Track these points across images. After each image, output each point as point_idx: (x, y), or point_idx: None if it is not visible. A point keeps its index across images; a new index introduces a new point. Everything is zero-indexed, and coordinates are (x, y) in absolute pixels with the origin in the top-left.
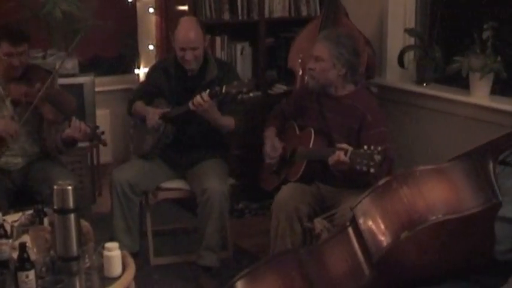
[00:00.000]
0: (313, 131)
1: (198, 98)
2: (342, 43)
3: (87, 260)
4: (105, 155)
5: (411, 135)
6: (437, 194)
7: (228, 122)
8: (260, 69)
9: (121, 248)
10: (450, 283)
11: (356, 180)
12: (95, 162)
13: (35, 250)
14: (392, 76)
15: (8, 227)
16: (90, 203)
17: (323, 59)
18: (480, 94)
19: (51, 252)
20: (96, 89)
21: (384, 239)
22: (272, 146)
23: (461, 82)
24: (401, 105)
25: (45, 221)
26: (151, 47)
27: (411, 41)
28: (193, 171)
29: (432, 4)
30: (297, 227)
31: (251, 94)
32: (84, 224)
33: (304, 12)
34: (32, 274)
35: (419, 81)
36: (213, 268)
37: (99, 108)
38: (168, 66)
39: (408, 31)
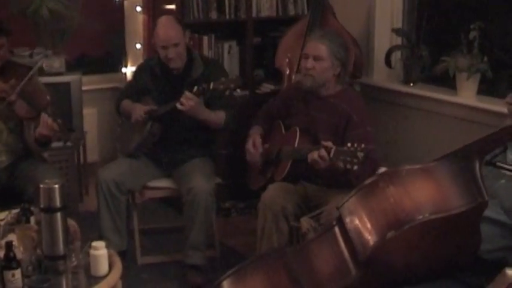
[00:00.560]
0: (298, 130)
1: (185, 96)
2: (338, 42)
3: (73, 259)
4: (92, 154)
5: (398, 134)
6: (424, 194)
7: (217, 117)
8: (247, 69)
9: (108, 246)
10: (436, 282)
11: (339, 179)
12: (82, 161)
13: (21, 249)
14: (379, 76)
15: None
16: (77, 201)
17: (323, 58)
18: (467, 94)
19: (38, 251)
20: (83, 88)
21: (370, 238)
22: (253, 143)
23: (448, 82)
24: (388, 105)
25: (32, 219)
26: (138, 46)
27: (398, 40)
28: (179, 170)
29: (419, 4)
30: (284, 226)
31: (238, 90)
32: (71, 222)
33: (291, 12)
34: (18, 273)
35: (406, 81)
36: (200, 267)
37: (86, 107)
38: (153, 65)
39: (395, 31)
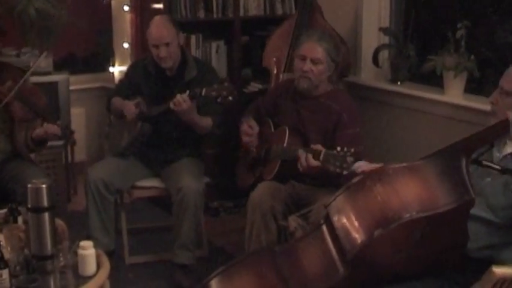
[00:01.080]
0: (287, 129)
1: (178, 98)
2: (333, 43)
3: (61, 259)
4: (80, 153)
5: (385, 133)
6: (411, 192)
7: (205, 123)
8: (235, 68)
9: (96, 246)
10: (424, 280)
11: (329, 179)
12: (70, 160)
13: (9, 249)
14: (367, 75)
15: None
16: (65, 201)
17: (321, 62)
18: (454, 93)
19: (26, 250)
20: (71, 88)
21: (357, 237)
22: (248, 125)
23: (436, 81)
24: (376, 103)
25: (19, 219)
26: (126, 45)
27: (386, 40)
28: (168, 170)
29: (407, 3)
30: (272, 225)
31: (230, 98)
32: (59, 222)
33: (279, 11)
34: (5, 273)
35: (393, 80)
36: (188, 266)
37: (74, 107)
38: (148, 65)
39: (383, 30)
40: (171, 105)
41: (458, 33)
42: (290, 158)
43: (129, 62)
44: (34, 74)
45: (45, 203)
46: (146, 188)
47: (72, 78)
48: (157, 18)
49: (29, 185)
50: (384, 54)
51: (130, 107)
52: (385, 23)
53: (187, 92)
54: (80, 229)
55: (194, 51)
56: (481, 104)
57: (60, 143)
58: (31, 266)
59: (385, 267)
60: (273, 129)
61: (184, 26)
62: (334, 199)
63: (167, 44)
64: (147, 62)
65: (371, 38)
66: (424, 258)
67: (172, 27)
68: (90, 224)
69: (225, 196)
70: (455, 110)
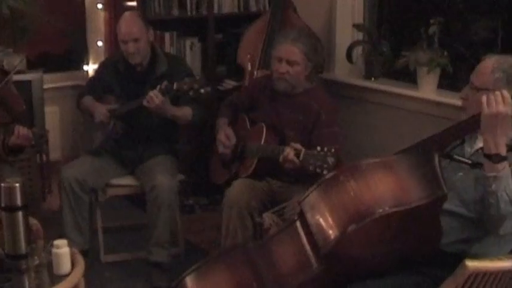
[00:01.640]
0: (265, 127)
1: (151, 94)
2: (310, 43)
3: (36, 258)
4: (55, 152)
5: (360, 129)
6: (384, 187)
7: (185, 112)
8: (209, 65)
9: (70, 245)
10: (398, 275)
11: (306, 177)
12: (44, 159)
13: None
14: (341, 71)
15: None
16: (40, 200)
17: (298, 63)
18: (427, 88)
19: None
20: (45, 86)
21: (331, 232)
22: (226, 135)
23: (409, 77)
24: (350, 99)
25: None
26: (100, 43)
27: (359, 36)
28: (142, 168)
29: (380, 0)
30: (248, 222)
31: (202, 90)
32: (33, 221)
33: (253, 8)
34: None
35: (367, 76)
36: (164, 264)
37: (48, 106)
38: (117, 62)
39: (356, 26)
40: (144, 102)
41: (432, 29)
42: (267, 156)
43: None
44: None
45: (19, 202)
46: (121, 186)
47: (46, 76)
48: (126, 14)
49: (2, 184)
50: (358, 51)
51: (101, 111)
52: (359, 20)
53: (158, 86)
54: (55, 228)
55: (168, 49)
56: (454, 99)
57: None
58: (5, 265)
59: (359, 262)
60: (249, 126)
61: (158, 24)
62: (308, 195)
63: (136, 40)
64: (117, 59)
65: (345, 35)
66: (398, 253)
67: (141, 23)
68: (64, 223)
69: (200, 193)
70: (428, 106)
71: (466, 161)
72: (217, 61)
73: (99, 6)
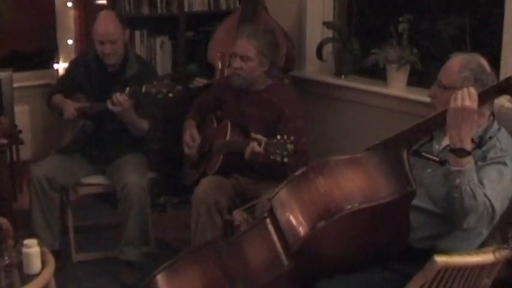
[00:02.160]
0: (229, 123)
1: (117, 97)
2: (266, 39)
3: (6, 258)
4: (25, 151)
5: (330, 126)
6: (353, 184)
7: (141, 125)
8: (180, 63)
9: (41, 244)
10: (368, 271)
11: (273, 172)
12: (15, 159)
13: None
14: (311, 68)
15: None
16: (11, 200)
17: (251, 59)
18: (397, 85)
19: None
20: (15, 85)
21: (301, 229)
22: (190, 135)
23: (379, 74)
24: (320, 97)
25: None
26: (70, 42)
27: (329, 33)
28: (112, 166)
29: None
30: (217, 219)
31: (170, 94)
32: (3, 221)
33: (223, 6)
34: None
35: (337, 74)
36: (135, 263)
37: (18, 105)
38: (89, 61)
39: (326, 24)
40: (109, 105)
41: (401, 27)
42: (232, 151)
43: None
44: None
45: None
46: (91, 185)
47: (16, 75)
48: (104, 13)
49: None
50: (328, 48)
51: (70, 108)
52: (329, 17)
53: (127, 89)
54: (26, 228)
55: (138, 47)
56: (423, 96)
57: (5, 141)
58: None
59: (329, 259)
60: (215, 125)
61: (128, 22)
62: (278, 192)
63: (113, 41)
64: (89, 58)
65: (315, 32)
66: (368, 249)
67: (119, 25)
68: (34, 222)
69: (172, 191)
70: (398, 103)
71: (434, 158)
72: (188, 59)
73: (69, 4)
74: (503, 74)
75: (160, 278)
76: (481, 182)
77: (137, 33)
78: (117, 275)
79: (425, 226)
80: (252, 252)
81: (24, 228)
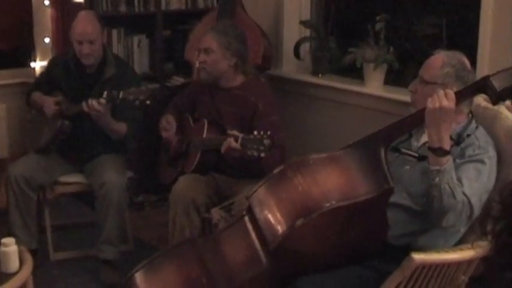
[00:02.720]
0: (206, 122)
1: (92, 104)
2: (229, 33)
3: None
4: (2, 150)
5: (307, 125)
6: (331, 181)
7: (119, 128)
8: (157, 62)
9: (18, 243)
10: (346, 269)
11: (250, 169)
12: None
13: None
14: (289, 67)
15: None
16: None
17: (213, 51)
18: (374, 84)
19: None
20: None
21: (279, 227)
22: (166, 120)
23: (356, 73)
24: (298, 96)
25: None
26: (47, 40)
27: (307, 32)
28: (91, 165)
29: None
30: (195, 217)
31: (148, 102)
32: None
33: (201, 5)
34: None
35: (315, 72)
36: (113, 261)
37: None
38: (68, 60)
39: (304, 23)
40: (85, 108)
41: (378, 26)
42: (210, 148)
43: (50, 57)
44: None
45: None
46: (69, 184)
47: None
48: (83, 13)
49: None
50: (305, 47)
51: (50, 104)
52: (306, 16)
53: (105, 93)
54: (3, 227)
55: (116, 46)
56: (400, 95)
57: None
58: None
59: (307, 257)
60: (192, 124)
61: (106, 20)
62: (256, 190)
63: (91, 41)
64: (68, 57)
65: (292, 31)
66: (346, 246)
67: (98, 25)
68: (11, 221)
69: (149, 190)
70: (375, 101)
71: (413, 154)
72: (165, 58)
73: (46, 2)
74: (479, 74)
75: (138, 276)
76: (459, 180)
77: (114, 32)
78: (95, 274)
79: (403, 223)
80: (231, 250)
81: (3, 227)
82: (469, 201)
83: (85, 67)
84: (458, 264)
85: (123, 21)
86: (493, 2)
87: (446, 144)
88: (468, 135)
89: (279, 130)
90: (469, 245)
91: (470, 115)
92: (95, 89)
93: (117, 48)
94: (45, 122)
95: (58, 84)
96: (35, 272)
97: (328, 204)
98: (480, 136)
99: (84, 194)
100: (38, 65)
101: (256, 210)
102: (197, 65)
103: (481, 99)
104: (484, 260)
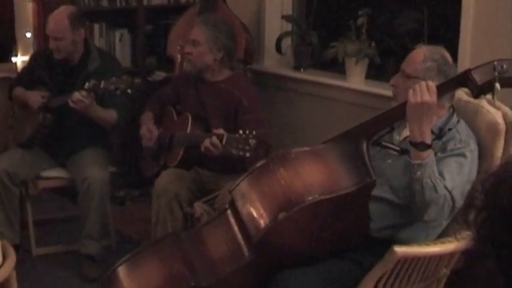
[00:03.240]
0: (190, 116)
1: (77, 95)
2: (218, 27)
3: None
4: None
5: (289, 119)
6: (313, 175)
7: (108, 116)
8: (139, 57)
9: (1, 238)
10: (329, 262)
11: (233, 165)
12: None
13: None
14: (270, 62)
15: None
16: None
17: (200, 43)
18: (355, 79)
19: None
20: None
21: (262, 221)
22: (147, 128)
23: (338, 67)
24: (280, 90)
25: None
26: (28, 35)
27: (288, 27)
28: (73, 160)
29: None
30: (178, 212)
31: (129, 91)
32: None
33: None
34: None
35: (296, 67)
36: (95, 256)
37: None
38: (50, 54)
39: (285, 17)
40: (70, 103)
41: (359, 21)
42: (193, 144)
43: (31, 52)
44: None
45: None
46: (51, 179)
47: None
48: (57, 10)
49: None
50: (287, 42)
51: (36, 97)
52: (288, 11)
53: (87, 84)
54: None
55: (98, 40)
56: (381, 89)
57: None
58: None
59: (291, 250)
60: (175, 117)
61: (88, 15)
62: (239, 184)
63: (56, 39)
64: (50, 52)
65: (274, 26)
66: (330, 240)
67: (67, 23)
68: None
69: (131, 185)
70: (357, 96)
71: (395, 147)
72: (147, 52)
73: None
74: (461, 68)
75: (121, 271)
76: (441, 174)
77: (96, 26)
78: (78, 268)
79: (386, 216)
80: (214, 244)
81: None
82: (451, 195)
83: (68, 61)
84: (440, 257)
85: (105, 15)
86: None
87: (428, 139)
88: (450, 129)
89: (264, 126)
90: (451, 238)
91: (451, 109)
92: (78, 82)
93: (99, 43)
94: (27, 116)
95: (41, 78)
96: (17, 267)
97: (310, 198)
98: (461, 130)
99: (67, 188)
100: (20, 59)
101: (239, 204)
102: (184, 56)
103: (462, 93)
104: (465, 251)
